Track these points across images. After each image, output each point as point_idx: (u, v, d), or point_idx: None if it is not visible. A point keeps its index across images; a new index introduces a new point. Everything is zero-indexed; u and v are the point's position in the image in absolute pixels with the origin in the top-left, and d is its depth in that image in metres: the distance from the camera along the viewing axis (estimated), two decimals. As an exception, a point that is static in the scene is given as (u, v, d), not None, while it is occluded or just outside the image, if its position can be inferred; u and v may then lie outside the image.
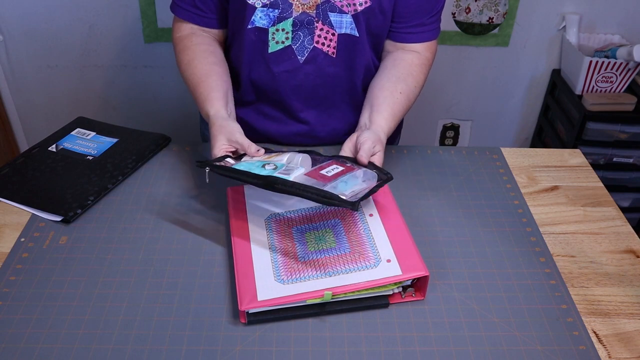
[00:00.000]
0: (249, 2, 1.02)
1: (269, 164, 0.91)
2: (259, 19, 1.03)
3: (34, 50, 1.97)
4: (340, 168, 0.92)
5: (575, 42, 1.98)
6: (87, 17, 1.91)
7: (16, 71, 2.01)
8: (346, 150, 0.99)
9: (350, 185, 0.88)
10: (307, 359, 0.76)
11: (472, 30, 2.00)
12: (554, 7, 1.97)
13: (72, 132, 1.18)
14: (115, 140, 1.15)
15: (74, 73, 2.03)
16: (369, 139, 0.96)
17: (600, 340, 0.80)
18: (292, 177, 0.87)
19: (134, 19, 1.92)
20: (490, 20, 1.98)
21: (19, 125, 2.13)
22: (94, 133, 1.18)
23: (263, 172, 0.87)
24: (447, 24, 1.98)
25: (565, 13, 1.98)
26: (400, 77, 1.08)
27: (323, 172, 0.91)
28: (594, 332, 0.81)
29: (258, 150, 0.95)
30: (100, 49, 1.98)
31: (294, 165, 0.92)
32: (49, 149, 1.12)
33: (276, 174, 0.87)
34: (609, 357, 0.77)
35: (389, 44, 1.14)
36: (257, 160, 0.93)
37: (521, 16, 1.98)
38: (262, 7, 1.02)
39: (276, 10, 1.02)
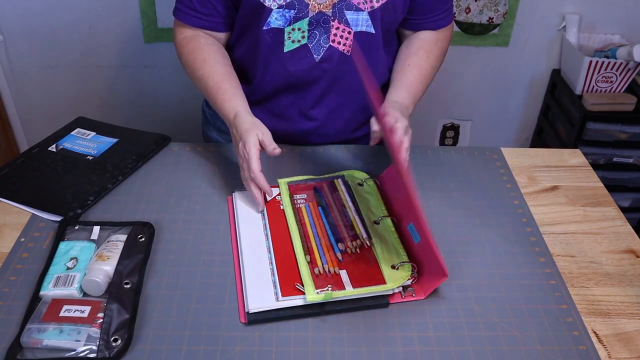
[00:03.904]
0: (266, 4, 1.02)
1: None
2: (275, 20, 1.03)
3: (34, 50, 1.97)
4: None
5: (575, 42, 1.98)
6: (87, 17, 1.91)
7: (16, 71, 2.01)
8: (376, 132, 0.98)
9: None
10: (307, 359, 0.76)
11: (472, 30, 2.00)
12: (554, 7, 1.97)
13: (72, 132, 1.18)
14: (115, 140, 1.15)
15: (74, 73, 2.03)
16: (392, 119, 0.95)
17: (600, 340, 0.80)
18: None
19: (134, 19, 1.92)
20: (490, 20, 1.98)
21: (19, 125, 2.13)
22: (94, 133, 1.18)
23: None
24: (447, 24, 1.98)
25: (565, 13, 1.98)
26: (427, 48, 1.13)
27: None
28: (594, 332, 0.81)
29: (275, 149, 0.95)
30: (100, 49, 1.98)
31: None
32: (49, 149, 1.12)
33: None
34: (609, 357, 0.77)
35: (408, 33, 1.16)
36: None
37: (521, 16, 1.98)
38: (278, 8, 1.02)
39: (292, 11, 1.02)
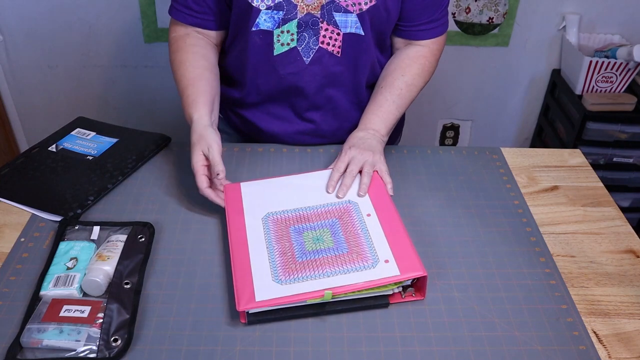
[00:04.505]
0: (253, 4, 1.02)
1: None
2: (264, 21, 1.03)
3: (34, 51, 1.97)
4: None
5: (575, 42, 1.98)
6: (87, 17, 1.91)
7: (16, 71, 2.01)
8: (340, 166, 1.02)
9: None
10: (307, 359, 0.76)
11: (472, 30, 2.00)
12: (554, 7, 1.97)
13: (72, 132, 1.18)
14: (115, 140, 1.15)
15: (74, 73, 2.03)
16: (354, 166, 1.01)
17: (600, 340, 0.80)
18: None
19: (134, 19, 1.92)
20: (490, 20, 1.98)
21: (19, 125, 2.14)
22: (94, 133, 1.18)
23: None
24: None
25: (565, 13, 1.98)
26: (404, 67, 1.11)
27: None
28: (594, 332, 0.81)
29: (218, 174, 0.95)
30: (100, 49, 1.98)
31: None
32: (49, 149, 1.12)
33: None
34: (609, 357, 0.77)
35: (399, 42, 1.15)
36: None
37: (521, 16, 1.98)
38: (266, 9, 1.02)
39: (281, 12, 1.02)
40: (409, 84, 1.10)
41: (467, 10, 1.96)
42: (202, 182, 0.96)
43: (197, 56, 1.09)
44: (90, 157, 1.10)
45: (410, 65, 1.12)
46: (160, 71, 2.04)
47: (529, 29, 2.01)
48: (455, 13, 1.97)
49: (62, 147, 1.13)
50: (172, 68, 1.11)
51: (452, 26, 1.98)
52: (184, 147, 1.16)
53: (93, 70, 2.03)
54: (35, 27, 1.92)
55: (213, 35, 1.13)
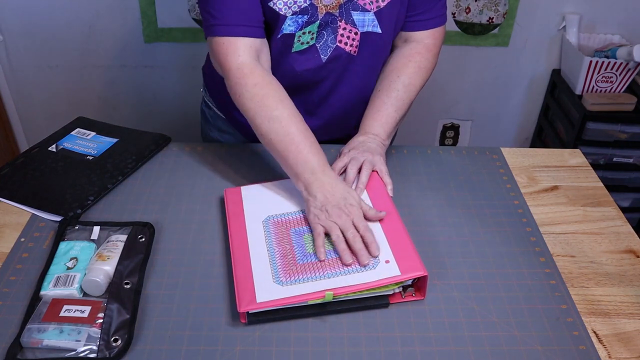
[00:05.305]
0: (281, 13, 1.01)
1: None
2: (288, 26, 1.03)
3: (34, 50, 1.97)
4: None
5: (575, 42, 1.98)
6: (87, 17, 1.91)
7: (16, 71, 2.01)
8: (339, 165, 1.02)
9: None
10: (307, 359, 0.76)
11: (472, 30, 2.00)
12: (554, 7, 1.97)
13: (72, 132, 1.18)
14: (115, 140, 1.15)
15: (74, 73, 2.03)
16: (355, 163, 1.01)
17: (600, 340, 0.80)
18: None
19: (134, 19, 1.92)
20: (490, 20, 1.98)
21: (19, 125, 2.14)
22: (94, 133, 1.18)
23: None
24: (447, 24, 1.98)
25: (565, 13, 1.98)
26: (400, 67, 1.10)
27: None
28: (594, 332, 0.81)
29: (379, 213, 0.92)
30: (100, 49, 1.98)
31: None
32: (49, 149, 1.12)
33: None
34: (609, 357, 0.77)
35: (397, 37, 1.14)
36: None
37: (521, 16, 1.98)
38: (292, 14, 1.01)
39: (305, 16, 1.02)
40: (406, 85, 1.10)
41: (467, 10, 1.96)
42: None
43: (289, 98, 1.02)
44: (90, 157, 1.10)
45: (405, 65, 1.11)
46: (160, 71, 2.04)
47: (529, 29, 2.01)
48: (455, 13, 1.97)
49: (62, 147, 1.13)
50: (260, 103, 0.98)
51: (452, 26, 1.98)
52: (184, 147, 1.16)
53: (93, 70, 2.03)
54: (35, 27, 1.92)
55: (267, 49, 1.06)
